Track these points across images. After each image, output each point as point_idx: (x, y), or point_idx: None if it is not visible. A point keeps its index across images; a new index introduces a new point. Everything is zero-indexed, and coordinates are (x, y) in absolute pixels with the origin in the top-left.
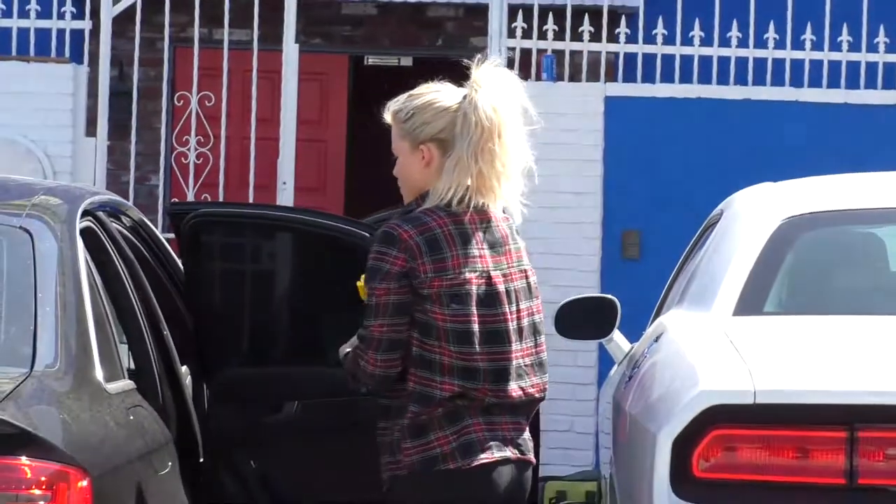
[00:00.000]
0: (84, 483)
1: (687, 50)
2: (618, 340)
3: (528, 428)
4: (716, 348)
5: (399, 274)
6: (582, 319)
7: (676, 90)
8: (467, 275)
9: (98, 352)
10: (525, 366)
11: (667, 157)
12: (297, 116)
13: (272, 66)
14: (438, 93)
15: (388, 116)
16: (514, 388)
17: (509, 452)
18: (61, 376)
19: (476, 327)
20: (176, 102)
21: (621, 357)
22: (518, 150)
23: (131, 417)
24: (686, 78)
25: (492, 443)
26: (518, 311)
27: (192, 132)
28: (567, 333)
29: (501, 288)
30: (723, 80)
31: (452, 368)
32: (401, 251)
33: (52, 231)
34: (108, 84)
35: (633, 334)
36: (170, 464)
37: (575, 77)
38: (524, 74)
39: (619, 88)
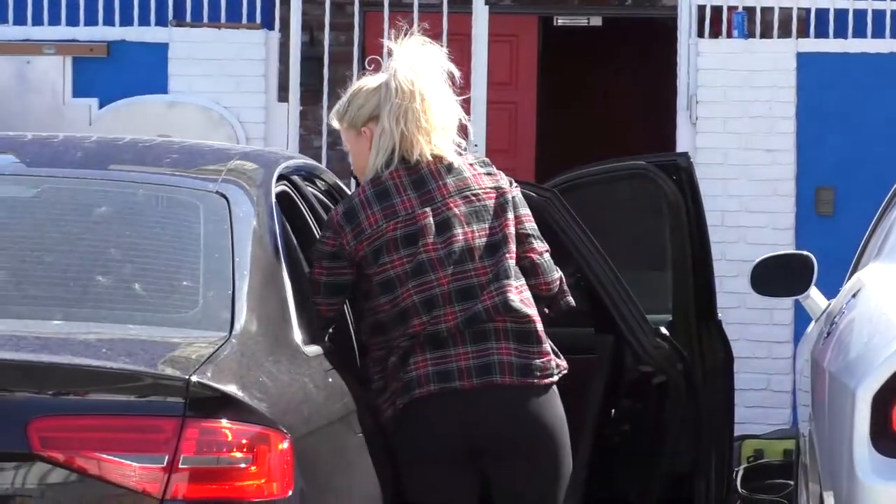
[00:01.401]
0: (285, 445)
1: (879, 4)
2: (814, 297)
3: (539, 349)
4: None
5: (330, 254)
6: (778, 276)
7: (869, 45)
8: (384, 225)
9: (296, 315)
10: (477, 286)
11: (860, 113)
12: (487, 79)
13: (462, 28)
14: (367, 78)
15: (334, 122)
16: (449, 311)
17: (459, 383)
18: (260, 340)
19: (397, 271)
20: (367, 67)
21: (818, 314)
22: (443, 108)
23: (330, 380)
24: (879, 32)
25: (434, 376)
26: (462, 234)
27: None
28: (763, 291)
29: (427, 222)
30: None
31: (388, 320)
32: (330, 231)
33: (249, 195)
34: (299, 49)
35: (828, 291)
36: (369, 425)
37: (766, 34)
38: (715, 31)
39: (812, 44)
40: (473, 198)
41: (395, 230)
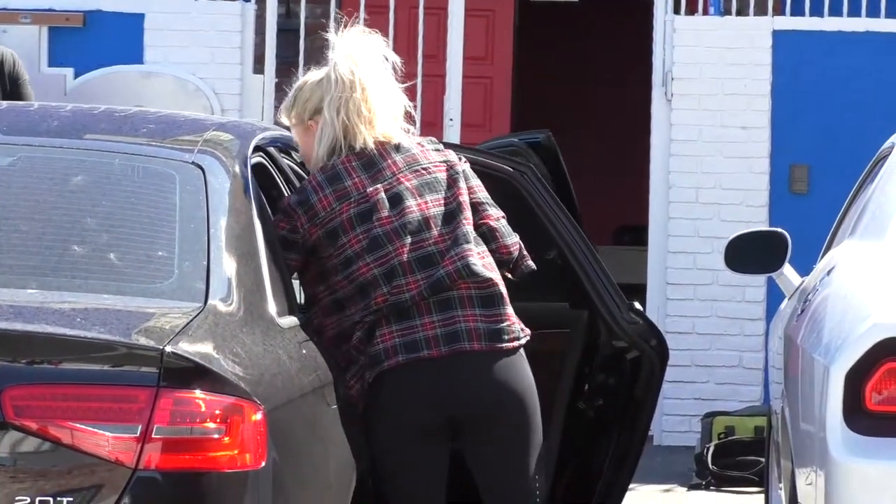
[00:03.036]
0: (258, 416)
1: None
2: (788, 274)
3: (504, 312)
4: (889, 281)
5: (281, 239)
6: (752, 254)
7: (845, 23)
8: (337, 206)
9: (271, 287)
10: (436, 253)
11: (835, 92)
12: (463, 53)
13: (438, 2)
14: (311, 73)
15: (283, 118)
16: (411, 280)
17: (427, 352)
18: (234, 311)
19: (354, 249)
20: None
21: (792, 291)
22: (385, 96)
23: (304, 352)
24: (854, 11)
25: (401, 347)
26: (416, 205)
27: None
28: (737, 268)
29: (380, 197)
30: (892, 12)
31: (348, 296)
32: (281, 214)
33: (224, 166)
34: (275, 21)
35: (802, 268)
36: (343, 397)
37: (742, 11)
38: (692, 8)
39: (787, 22)
40: (424, 171)
41: (348, 210)
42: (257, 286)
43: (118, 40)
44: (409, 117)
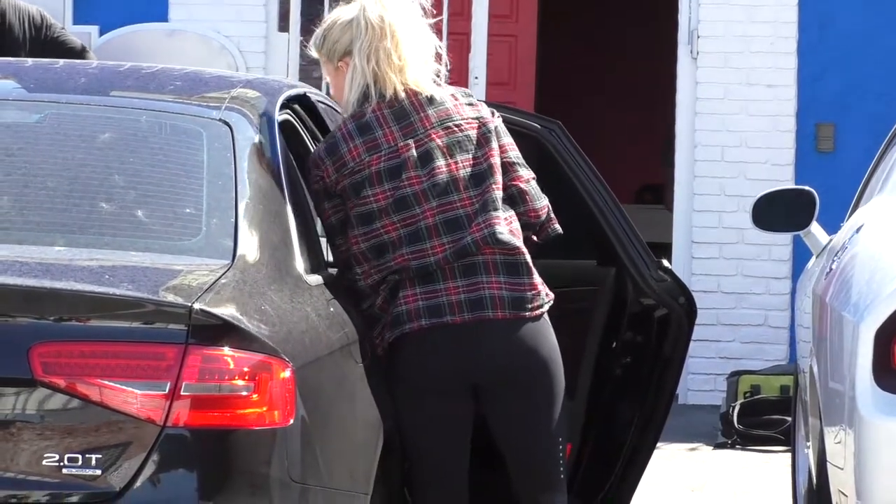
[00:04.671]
0: (286, 374)
1: None
2: (815, 233)
3: (529, 281)
4: None
5: (324, 192)
6: (779, 212)
7: None
8: (366, 158)
9: (298, 244)
10: (463, 216)
11: (861, 50)
12: (487, 11)
13: None
14: (341, 10)
15: (312, 52)
16: (437, 244)
17: (450, 317)
18: (262, 268)
19: (380, 204)
20: None
21: (819, 249)
22: (415, 41)
23: (332, 309)
24: None
25: (425, 311)
26: (445, 165)
27: None
28: (764, 226)
29: (410, 153)
30: None
31: (365, 253)
32: (313, 169)
33: (252, 123)
34: None
35: (829, 227)
36: (370, 355)
37: None
38: None
39: None
40: (455, 128)
41: (378, 163)
42: (285, 243)
43: None
44: (438, 59)
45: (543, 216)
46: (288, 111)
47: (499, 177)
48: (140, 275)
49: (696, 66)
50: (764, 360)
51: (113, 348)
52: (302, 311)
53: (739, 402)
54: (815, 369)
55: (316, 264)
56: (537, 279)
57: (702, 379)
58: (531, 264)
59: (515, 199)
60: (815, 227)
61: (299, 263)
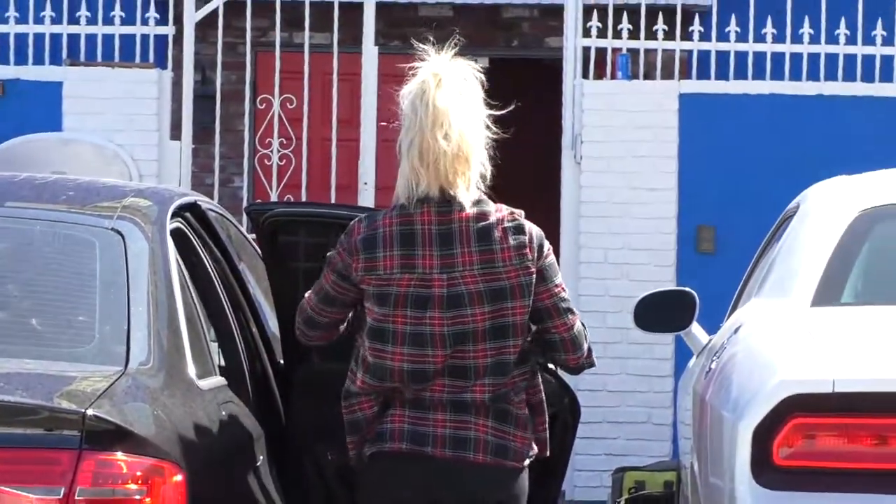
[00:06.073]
0: (179, 478)
1: (759, 47)
2: (696, 333)
3: (516, 433)
4: (794, 338)
5: (340, 269)
6: (660, 312)
7: (750, 86)
8: (399, 275)
9: (190, 349)
10: (472, 368)
11: (741, 153)
12: (376, 118)
13: (352, 68)
14: (410, 86)
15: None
16: (438, 383)
17: (431, 449)
18: (154, 373)
19: (395, 327)
20: (258, 105)
21: (700, 349)
22: (469, 136)
23: (223, 413)
24: (759, 74)
25: (409, 435)
26: (471, 315)
27: (275, 134)
28: (646, 326)
29: (440, 292)
30: (795, 75)
31: (368, 364)
32: (346, 245)
33: (143, 232)
34: (191, 88)
35: (709, 327)
36: (261, 458)
37: (649, 75)
38: (600, 73)
39: (693, 86)
40: (494, 278)
41: (407, 286)
42: (177, 349)
43: (37, 108)
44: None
45: (584, 364)
46: (179, 219)
47: (521, 336)
48: (34, 381)
49: (580, 171)
50: (648, 456)
51: (8, 454)
52: (194, 416)
53: (624, 497)
54: (696, 466)
55: (208, 369)
56: (527, 433)
57: (588, 475)
58: (524, 416)
59: (556, 346)
60: (696, 328)
61: (191, 368)
